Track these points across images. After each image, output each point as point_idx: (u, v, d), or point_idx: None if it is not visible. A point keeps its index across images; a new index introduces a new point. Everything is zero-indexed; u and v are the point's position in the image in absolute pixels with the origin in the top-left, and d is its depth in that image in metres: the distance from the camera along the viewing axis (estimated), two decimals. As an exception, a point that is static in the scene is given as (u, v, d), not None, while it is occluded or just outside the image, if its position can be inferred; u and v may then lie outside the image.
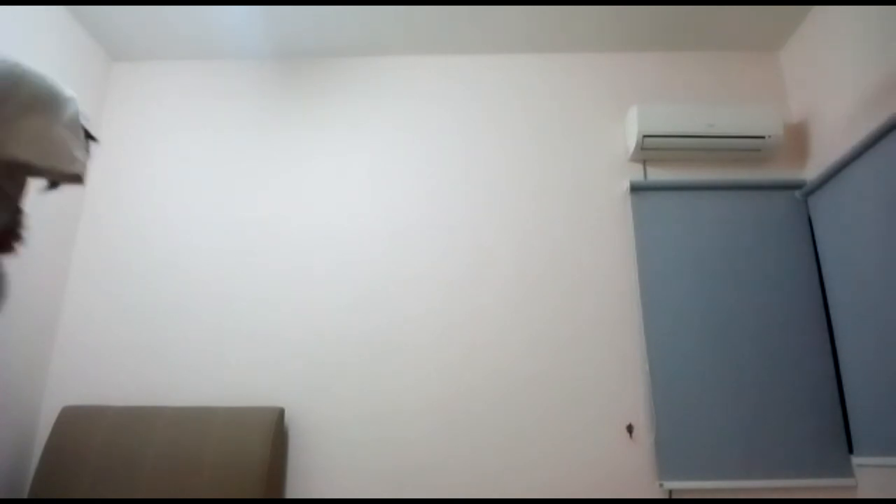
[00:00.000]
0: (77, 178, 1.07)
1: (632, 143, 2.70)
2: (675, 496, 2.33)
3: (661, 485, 2.32)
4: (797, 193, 2.67)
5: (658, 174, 2.78)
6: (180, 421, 2.31)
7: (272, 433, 2.28)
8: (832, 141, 2.54)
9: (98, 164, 2.85)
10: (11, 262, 2.37)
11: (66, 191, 2.69)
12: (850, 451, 2.34)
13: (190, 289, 2.64)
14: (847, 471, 2.32)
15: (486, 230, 2.68)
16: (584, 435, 2.41)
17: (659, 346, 2.49)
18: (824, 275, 2.54)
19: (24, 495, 2.26)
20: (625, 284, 2.61)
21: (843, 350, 2.42)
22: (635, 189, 2.70)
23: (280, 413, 2.37)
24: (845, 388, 2.39)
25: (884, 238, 2.19)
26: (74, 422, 2.32)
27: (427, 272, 2.64)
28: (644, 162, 2.80)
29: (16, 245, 0.89)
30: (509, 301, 2.57)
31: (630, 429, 2.41)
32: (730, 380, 2.44)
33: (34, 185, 1.13)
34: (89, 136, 1.16)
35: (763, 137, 2.63)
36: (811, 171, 2.66)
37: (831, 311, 2.49)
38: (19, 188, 1.03)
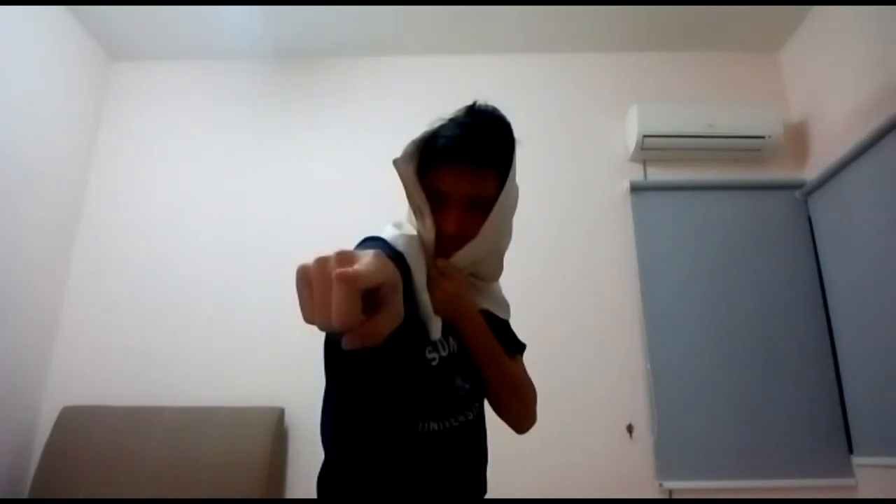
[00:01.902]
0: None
1: (632, 143, 2.70)
2: (675, 496, 2.33)
3: (660, 485, 2.32)
4: (797, 193, 2.67)
5: (658, 174, 2.78)
6: (180, 421, 2.31)
7: (272, 433, 2.28)
8: (832, 141, 2.54)
9: (98, 164, 2.85)
10: (11, 262, 2.38)
11: (65, 191, 2.70)
12: (850, 451, 2.33)
13: (190, 289, 2.64)
14: (847, 471, 2.31)
15: (486, 230, 2.67)
16: (584, 435, 2.41)
17: (659, 346, 2.49)
18: (824, 275, 2.54)
19: (24, 495, 2.26)
20: (625, 284, 2.60)
21: (842, 350, 2.42)
22: (635, 189, 2.70)
23: (280, 413, 2.37)
24: (845, 388, 2.39)
25: (884, 238, 2.19)
26: (74, 422, 2.32)
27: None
28: (644, 162, 2.80)
29: None
30: (508, 300, 2.56)
31: (630, 429, 2.41)
32: (730, 380, 2.44)
33: None
34: None
35: (763, 137, 2.63)
36: (811, 171, 2.66)
37: (831, 311, 2.49)
38: None
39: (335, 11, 2.70)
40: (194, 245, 2.71)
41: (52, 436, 2.29)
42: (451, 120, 1.00)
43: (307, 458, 2.40)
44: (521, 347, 1.19)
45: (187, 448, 2.24)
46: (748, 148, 2.67)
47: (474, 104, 1.01)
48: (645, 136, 2.64)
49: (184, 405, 2.39)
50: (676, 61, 2.96)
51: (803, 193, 2.65)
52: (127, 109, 2.94)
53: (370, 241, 0.95)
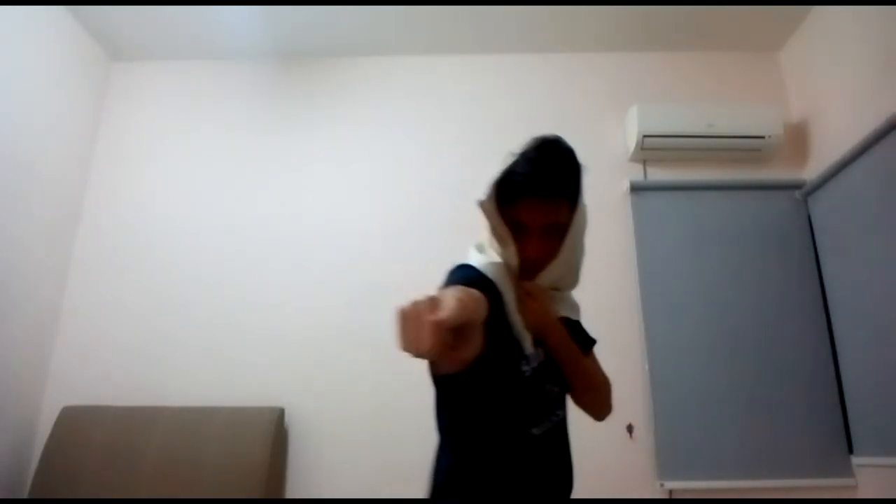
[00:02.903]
0: None
1: (632, 143, 2.70)
2: (675, 496, 2.33)
3: (661, 485, 2.32)
4: (797, 193, 2.67)
5: (658, 174, 2.78)
6: (180, 421, 2.31)
7: (272, 433, 2.28)
8: (832, 141, 2.54)
9: (97, 164, 2.86)
10: (11, 261, 2.38)
11: (65, 191, 2.70)
12: (850, 451, 2.33)
13: (190, 289, 2.64)
14: (847, 471, 2.31)
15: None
16: (584, 435, 2.39)
17: (659, 346, 2.49)
18: (824, 275, 2.54)
19: (24, 495, 2.26)
20: (625, 284, 2.60)
21: (842, 350, 2.42)
22: (635, 189, 2.70)
23: (280, 413, 2.37)
24: (845, 388, 2.39)
25: (884, 238, 2.19)
26: (74, 422, 2.32)
27: (426, 272, 2.63)
28: (644, 162, 2.80)
29: None
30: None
31: (630, 429, 2.41)
32: (730, 380, 2.44)
33: None
34: None
35: (763, 137, 2.63)
36: (811, 171, 2.66)
37: (831, 311, 2.49)
38: None
39: (335, 11, 2.70)
40: (194, 244, 2.71)
41: (52, 436, 2.29)
42: (521, 156, 1.09)
43: (307, 458, 2.40)
44: (593, 343, 1.36)
45: (187, 448, 2.24)
46: (748, 148, 2.67)
47: (541, 139, 1.10)
48: (645, 136, 2.64)
49: (184, 405, 2.39)
50: (676, 61, 2.96)
51: (803, 193, 2.65)
52: (127, 109, 2.94)
53: (463, 269, 1.15)
